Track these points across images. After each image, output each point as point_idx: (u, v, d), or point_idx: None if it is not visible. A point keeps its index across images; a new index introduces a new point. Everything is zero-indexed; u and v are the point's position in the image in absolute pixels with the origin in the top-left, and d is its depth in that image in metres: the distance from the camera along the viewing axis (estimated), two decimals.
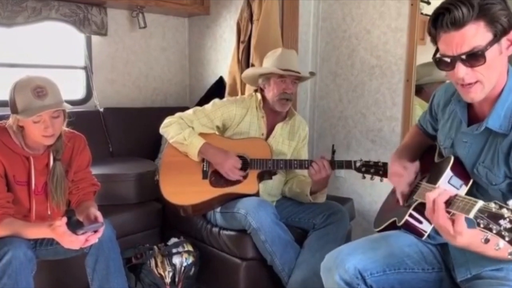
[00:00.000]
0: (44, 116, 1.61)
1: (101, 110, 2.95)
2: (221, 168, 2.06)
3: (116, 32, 3.11)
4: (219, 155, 2.07)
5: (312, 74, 2.30)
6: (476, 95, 1.15)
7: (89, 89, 3.04)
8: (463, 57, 1.10)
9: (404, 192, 1.43)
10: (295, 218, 2.19)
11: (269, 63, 2.19)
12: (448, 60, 1.13)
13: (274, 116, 2.24)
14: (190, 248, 2.23)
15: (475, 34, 1.07)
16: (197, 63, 3.47)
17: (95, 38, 3.02)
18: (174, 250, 2.20)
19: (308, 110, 2.97)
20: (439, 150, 1.46)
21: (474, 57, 1.09)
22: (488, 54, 1.08)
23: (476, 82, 1.13)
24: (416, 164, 1.45)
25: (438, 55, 1.16)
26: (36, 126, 1.62)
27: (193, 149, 2.07)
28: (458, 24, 1.08)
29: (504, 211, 0.91)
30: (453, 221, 1.04)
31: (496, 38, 1.08)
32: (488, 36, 1.08)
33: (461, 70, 1.11)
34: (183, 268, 2.16)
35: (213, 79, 3.26)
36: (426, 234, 1.34)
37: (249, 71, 2.34)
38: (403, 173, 1.43)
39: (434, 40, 1.17)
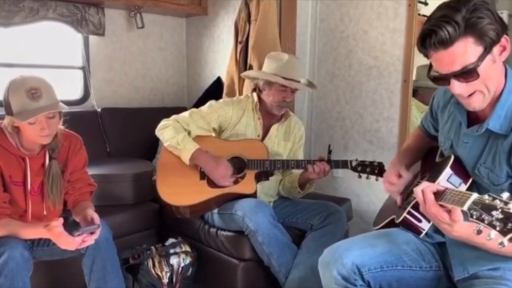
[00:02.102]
0: (39, 117, 1.59)
1: (99, 110, 2.95)
2: (212, 175, 2.06)
3: (113, 32, 3.11)
4: (210, 163, 2.05)
5: (312, 86, 2.31)
6: (478, 104, 1.16)
7: (86, 89, 3.04)
8: (457, 74, 1.10)
9: (398, 199, 1.47)
10: (292, 219, 2.19)
11: (272, 67, 2.15)
12: (443, 76, 1.14)
13: (270, 117, 2.23)
14: (187, 248, 2.23)
15: (465, 51, 1.07)
16: (194, 64, 3.47)
17: (92, 38, 3.01)
18: (171, 251, 2.19)
19: (306, 110, 2.97)
20: (440, 150, 1.47)
21: (467, 74, 1.10)
22: (481, 68, 1.09)
23: (475, 91, 1.14)
24: (410, 174, 1.49)
25: (432, 72, 1.17)
26: (32, 127, 1.61)
27: (186, 154, 2.05)
28: (445, 44, 1.08)
29: (497, 202, 0.92)
30: (449, 212, 1.05)
31: (487, 51, 1.08)
32: (479, 50, 1.08)
33: (457, 86, 1.13)
34: (180, 268, 2.16)
35: (211, 80, 3.26)
36: (424, 232, 1.35)
37: (252, 74, 2.32)
38: (395, 182, 1.47)
39: (426, 57, 1.17)
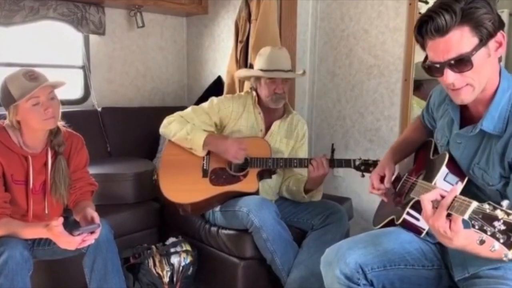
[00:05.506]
0: (41, 97, 1.62)
1: (99, 109, 2.95)
2: (228, 154, 2.06)
3: (114, 32, 3.11)
4: (222, 143, 2.07)
5: (303, 73, 2.31)
6: (466, 97, 1.16)
7: (87, 89, 3.03)
8: (451, 62, 1.11)
9: (384, 199, 1.52)
10: (293, 218, 2.19)
11: (259, 63, 2.18)
12: (437, 66, 1.14)
13: (270, 113, 2.23)
14: (188, 247, 2.23)
15: (460, 39, 1.08)
16: (195, 63, 3.47)
17: (93, 38, 3.01)
18: (172, 250, 2.20)
19: (306, 109, 2.97)
20: (434, 146, 1.47)
21: (461, 63, 1.10)
22: (475, 58, 1.09)
23: (466, 85, 1.14)
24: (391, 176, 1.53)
25: (427, 62, 1.17)
26: (35, 111, 1.62)
27: (198, 141, 2.07)
28: (442, 31, 1.08)
29: (498, 212, 0.90)
30: (450, 221, 1.03)
31: (482, 42, 1.09)
32: (474, 41, 1.08)
33: (450, 76, 1.12)
34: (181, 267, 2.16)
35: (211, 79, 3.26)
36: (424, 232, 1.35)
37: (240, 73, 2.37)
38: (377, 186, 1.51)
39: (423, 47, 1.18)
